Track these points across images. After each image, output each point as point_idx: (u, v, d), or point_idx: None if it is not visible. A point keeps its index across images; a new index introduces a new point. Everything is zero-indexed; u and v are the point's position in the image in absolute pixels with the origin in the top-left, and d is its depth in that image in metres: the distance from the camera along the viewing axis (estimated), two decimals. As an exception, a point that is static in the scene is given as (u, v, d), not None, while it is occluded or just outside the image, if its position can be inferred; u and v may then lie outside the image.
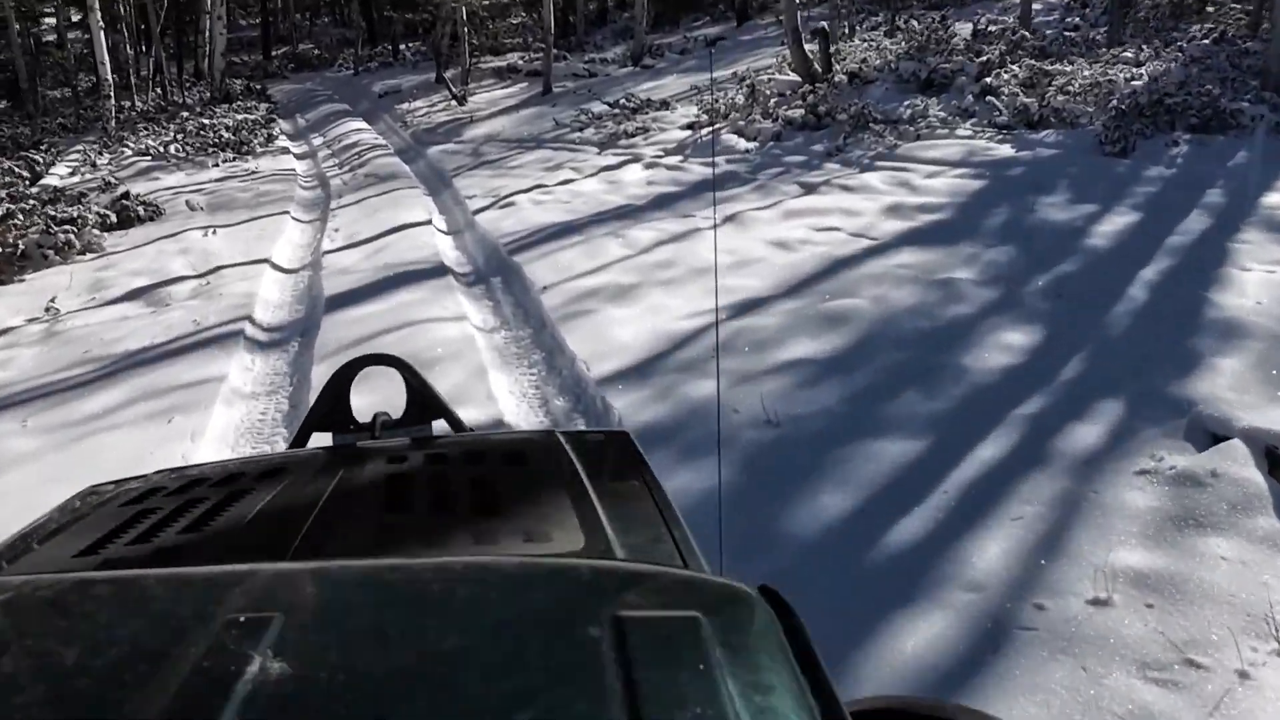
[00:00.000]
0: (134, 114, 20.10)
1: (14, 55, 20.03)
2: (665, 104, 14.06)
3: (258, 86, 22.87)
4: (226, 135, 15.20)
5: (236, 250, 8.56)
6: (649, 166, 10.58)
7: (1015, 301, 5.73)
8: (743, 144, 10.91)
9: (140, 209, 10.54)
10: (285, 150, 15.54)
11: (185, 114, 18.31)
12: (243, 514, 1.15)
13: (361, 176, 12.45)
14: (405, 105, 18.15)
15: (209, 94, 19.58)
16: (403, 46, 28.12)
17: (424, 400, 1.83)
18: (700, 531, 1.14)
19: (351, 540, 1.07)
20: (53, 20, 24.63)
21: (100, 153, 15.75)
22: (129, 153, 15.28)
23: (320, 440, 1.75)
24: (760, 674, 0.67)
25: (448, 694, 0.62)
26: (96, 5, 15.31)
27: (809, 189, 8.75)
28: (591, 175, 10.56)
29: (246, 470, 1.38)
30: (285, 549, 1.01)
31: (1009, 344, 5.09)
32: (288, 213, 10.42)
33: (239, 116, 16.09)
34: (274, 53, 32.94)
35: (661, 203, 8.76)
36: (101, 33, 15.51)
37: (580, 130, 13.42)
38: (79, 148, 16.64)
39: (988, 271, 6.22)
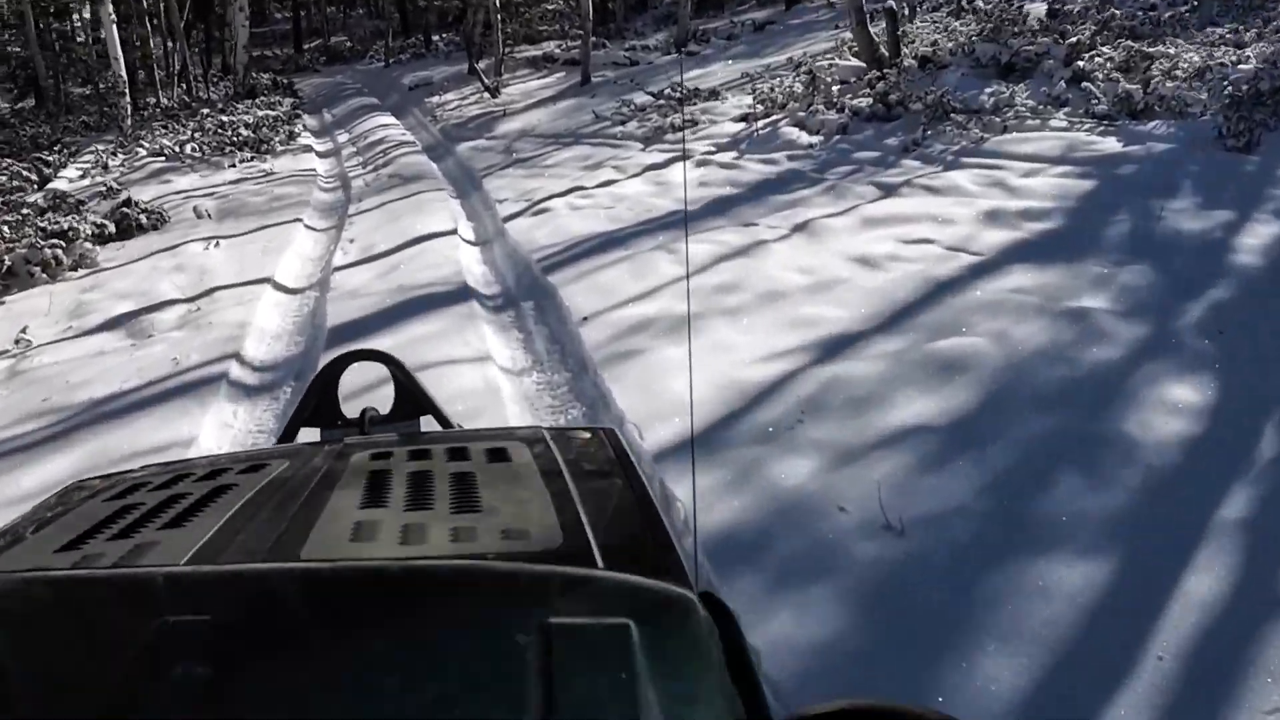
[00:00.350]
0: (156, 111, 19.33)
1: (33, 51, 19.31)
2: (714, 94, 12.91)
3: (285, 81, 22.03)
4: (246, 133, 14.30)
5: (237, 267, 7.59)
6: (700, 164, 9.45)
7: (1169, 340, 4.57)
8: (805, 138, 9.73)
9: (143, 218, 9.64)
10: (308, 148, 14.62)
11: (206, 111, 17.47)
12: (225, 508, 1.14)
13: (385, 177, 11.47)
14: (436, 98, 17.16)
15: (233, 89, 18.75)
16: (435, 37, 27.18)
17: (412, 397, 1.87)
18: None
19: (329, 536, 1.03)
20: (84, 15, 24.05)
21: (114, 153, 14.94)
22: (143, 153, 14.44)
23: (309, 435, 1.79)
24: (685, 683, 0.68)
25: (366, 699, 0.64)
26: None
27: (888, 191, 7.58)
28: (635, 175, 9.46)
29: (232, 465, 1.39)
30: (263, 544, 1.01)
31: (1177, 402, 3.94)
32: (300, 220, 9.46)
33: (261, 113, 15.22)
34: (306, 46, 32.20)
35: (718, 208, 7.64)
36: (114, 26, 14.68)
37: (622, 124, 12.31)
38: (96, 148, 15.86)
39: (1126, 298, 5.05)
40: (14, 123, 21.48)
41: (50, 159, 15.32)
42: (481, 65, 17.76)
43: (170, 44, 21.39)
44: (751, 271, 5.96)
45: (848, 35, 14.02)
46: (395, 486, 1.22)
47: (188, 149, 14.17)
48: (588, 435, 1.51)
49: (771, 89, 12.39)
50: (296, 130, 15.49)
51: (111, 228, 9.23)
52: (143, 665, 0.65)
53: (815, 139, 9.64)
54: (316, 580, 0.81)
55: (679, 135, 11.12)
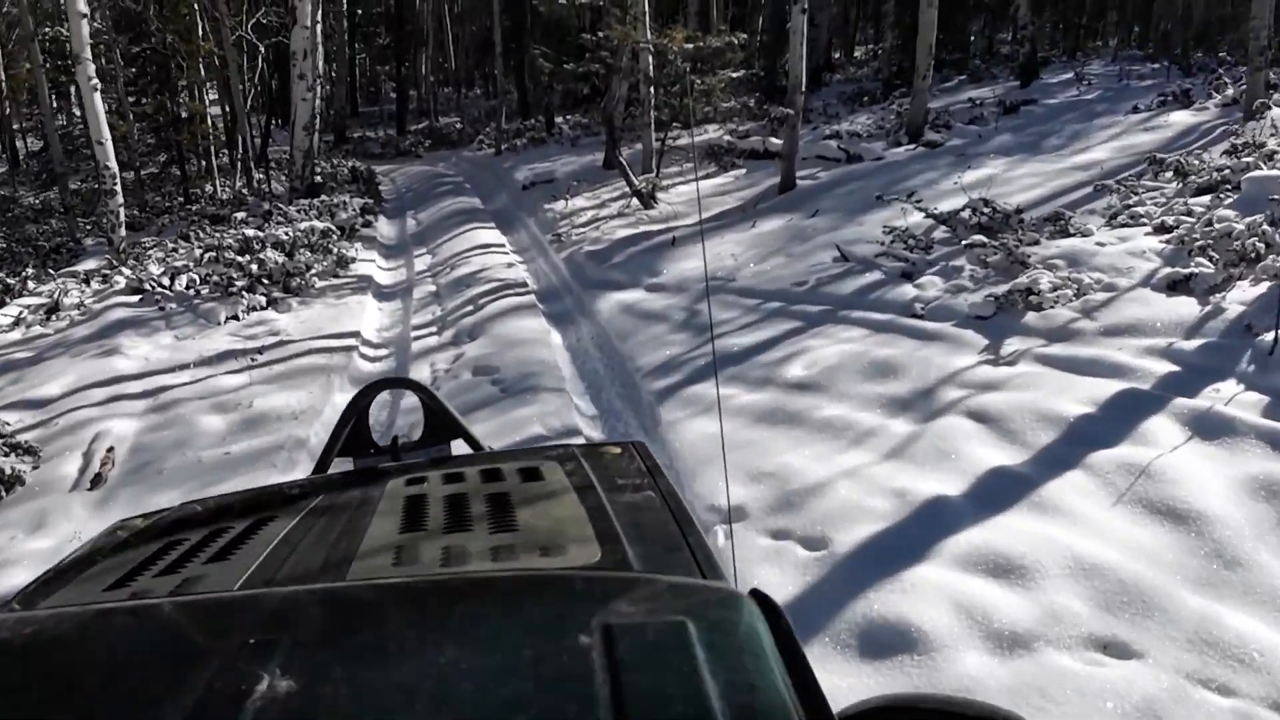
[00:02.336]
0: (191, 212, 14.67)
1: (48, 130, 14.99)
2: (1057, 222, 7.15)
3: (366, 170, 17.24)
4: (273, 259, 9.20)
5: None
6: (1201, 431, 3.63)
7: None
8: None
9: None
10: (364, 284, 9.40)
11: (243, 214, 12.60)
12: (267, 540, 1.16)
13: (470, 362, 6.06)
14: (560, 205, 11.86)
15: (289, 184, 13.98)
16: (559, 119, 22.40)
17: (442, 421, 1.91)
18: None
19: (373, 561, 1.04)
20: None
21: (89, 281, 10.02)
22: (122, 283, 9.45)
23: (343, 465, 1.81)
24: (744, 674, 0.70)
25: (444, 704, 0.67)
26: (86, 53, 9.64)
27: None
28: (1045, 432, 3.72)
29: (271, 497, 1.42)
30: (308, 574, 1.01)
31: None
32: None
33: (309, 224, 10.26)
34: (412, 128, 27.94)
35: None
36: (97, 95, 9.83)
37: (909, 276, 6.66)
38: (80, 269, 11.05)
39: None
40: (33, 219, 17.32)
41: (12, 282, 10.55)
42: (625, 155, 12.40)
43: (230, 111, 16.90)
44: None
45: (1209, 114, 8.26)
46: (432, 510, 1.24)
47: (180, 284, 9.10)
48: (618, 450, 1.50)
49: (1177, 219, 6.63)
50: (353, 253, 10.30)
51: None
52: (227, 682, 0.67)
53: None
54: (385, 595, 0.86)
55: (1048, 312, 5.38)
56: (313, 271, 9.54)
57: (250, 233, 10.16)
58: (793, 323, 6.23)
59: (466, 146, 23.15)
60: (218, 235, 10.92)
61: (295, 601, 0.84)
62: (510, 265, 9.50)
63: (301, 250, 9.95)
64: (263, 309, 8.52)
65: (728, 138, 13.90)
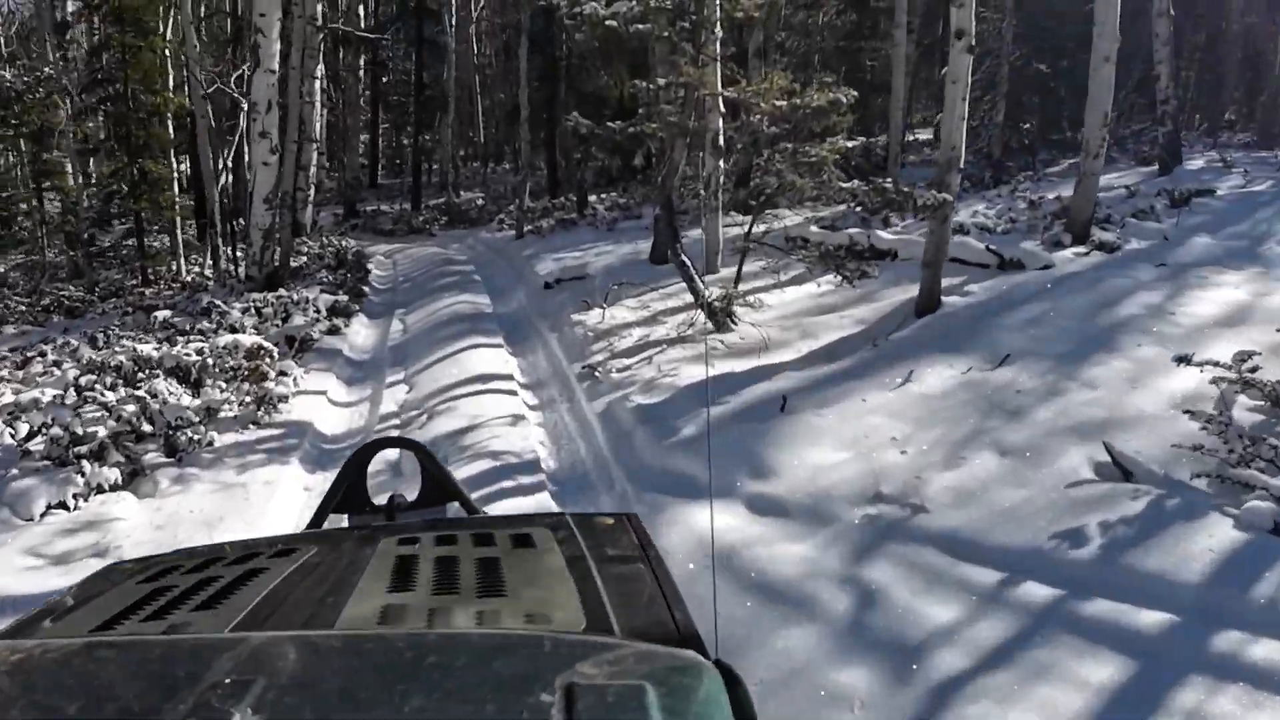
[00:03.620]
0: (130, 302, 11.63)
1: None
2: None
3: (355, 254, 14.15)
4: (164, 396, 5.99)
5: None
6: None
7: None
8: None
9: None
10: (291, 439, 6.12)
11: (168, 313, 9.44)
12: (256, 591, 1.16)
13: None
14: (594, 317, 8.58)
15: (245, 272, 10.80)
16: (592, 199, 19.43)
17: (439, 483, 1.95)
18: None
19: (357, 619, 1.05)
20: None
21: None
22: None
23: (338, 521, 1.89)
24: None
25: None
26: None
27: None
28: None
29: (263, 549, 1.41)
30: (292, 626, 1.03)
31: None
32: None
33: (233, 339, 7.02)
34: (430, 203, 25.10)
35: None
36: None
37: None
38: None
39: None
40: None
41: None
42: (684, 241, 9.12)
43: (196, 176, 13.92)
44: None
45: None
46: (422, 571, 1.24)
47: (15, 433, 5.86)
48: (610, 521, 1.51)
49: None
50: (291, 384, 6.99)
51: None
52: (203, 717, 0.69)
53: None
54: (360, 645, 0.88)
55: None
56: (222, 416, 6.28)
57: (144, 350, 6.94)
58: (1106, 660, 2.83)
59: (486, 226, 20.13)
60: (108, 351, 7.72)
61: (273, 646, 0.85)
62: (517, 420, 6.18)
63: (213, 379, 6.71)
64: (112, 489, 5.24)
65: (814, 228, 10.67)
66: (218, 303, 9.61)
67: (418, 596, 1.12)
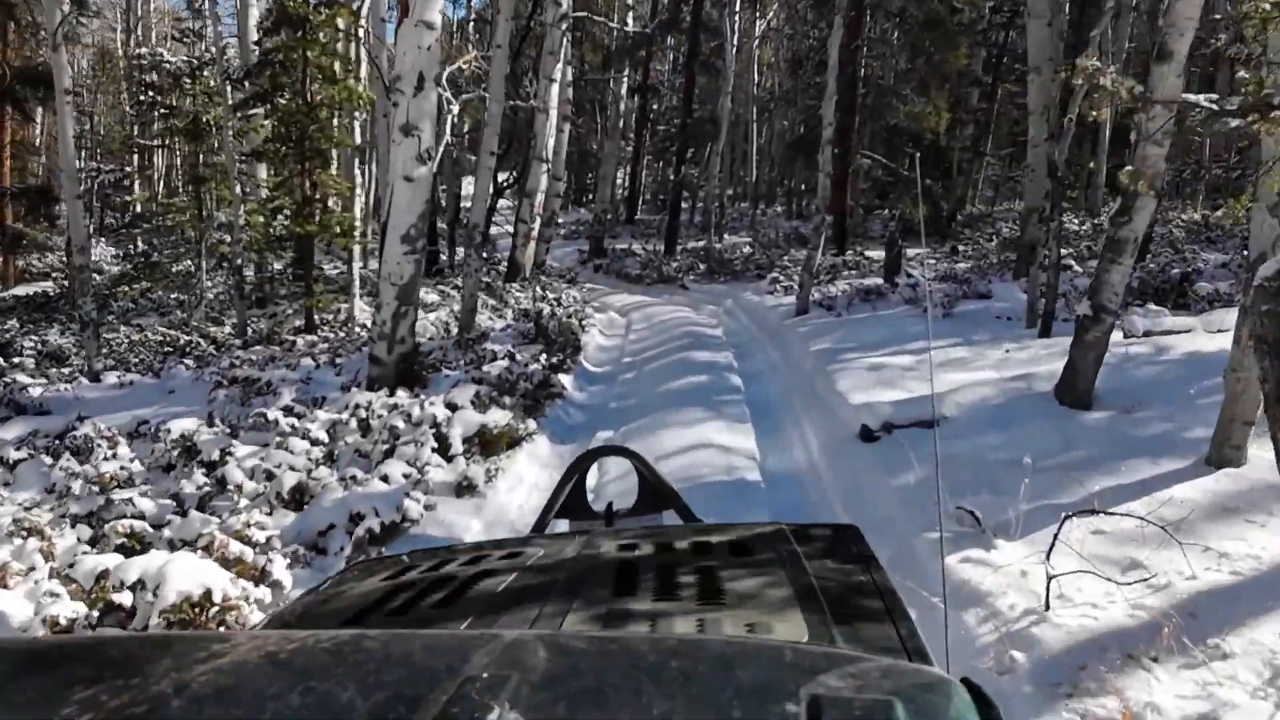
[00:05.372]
0: (271, 356, 8.10)
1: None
2: None
3: (572, 308, 9.95)
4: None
5: None
6: None
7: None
8: None
9: None
10: None
11: (285, 402, 5.60)
12: (488, 591, 1.26)
13: None
14: (1002, 559, 3.69)
15: (370, 351, 6.77)
16: (912, 255, 14.41)
17: (656, 490, 2.06)
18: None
19: (581, 622, 1.11)
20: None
21: None
22: None
23: (560, 526, 2.02)
24: None
25: None
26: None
27: None
28: None
29: (493, 551, 1.52)
30: (521, 625, 1.10)
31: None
32: None
33: (165, 563, 3.09)
34: (687, 244, 21.02)
35: None
36: None
37: None
38: None
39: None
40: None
41: None
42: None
43: (365, 193, 10.38)
44: None
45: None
46: (643, 578, 1.28)
47: None
48: (829, 532, 1.50)
49: None
50: None
51: None
52: (462, 709, 0.70)
53: None
54: (605, 646, 0.89)
55: None
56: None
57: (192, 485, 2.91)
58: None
59: (751, 282, 15.60)
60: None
61: (524, 644, 0.87)
62: None
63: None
64: None
65: None
66: (298, 405, 5.59)
67: (639, 602, 1.16)
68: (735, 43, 20.87)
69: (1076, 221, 18.11)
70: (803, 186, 28.91)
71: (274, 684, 0.79)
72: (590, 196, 30.31)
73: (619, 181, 31.38)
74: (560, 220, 31.89)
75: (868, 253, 17.32)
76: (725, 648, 0.87)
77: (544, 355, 7.80)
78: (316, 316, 11.18)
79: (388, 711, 0.72)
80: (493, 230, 19.14)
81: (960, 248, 17.99)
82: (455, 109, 7.48)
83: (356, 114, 10.91)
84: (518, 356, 7.63)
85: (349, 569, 1.54)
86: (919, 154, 20.53)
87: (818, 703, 0.69)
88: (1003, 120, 23.32)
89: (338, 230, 10.76)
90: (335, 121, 10.73)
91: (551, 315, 9.23)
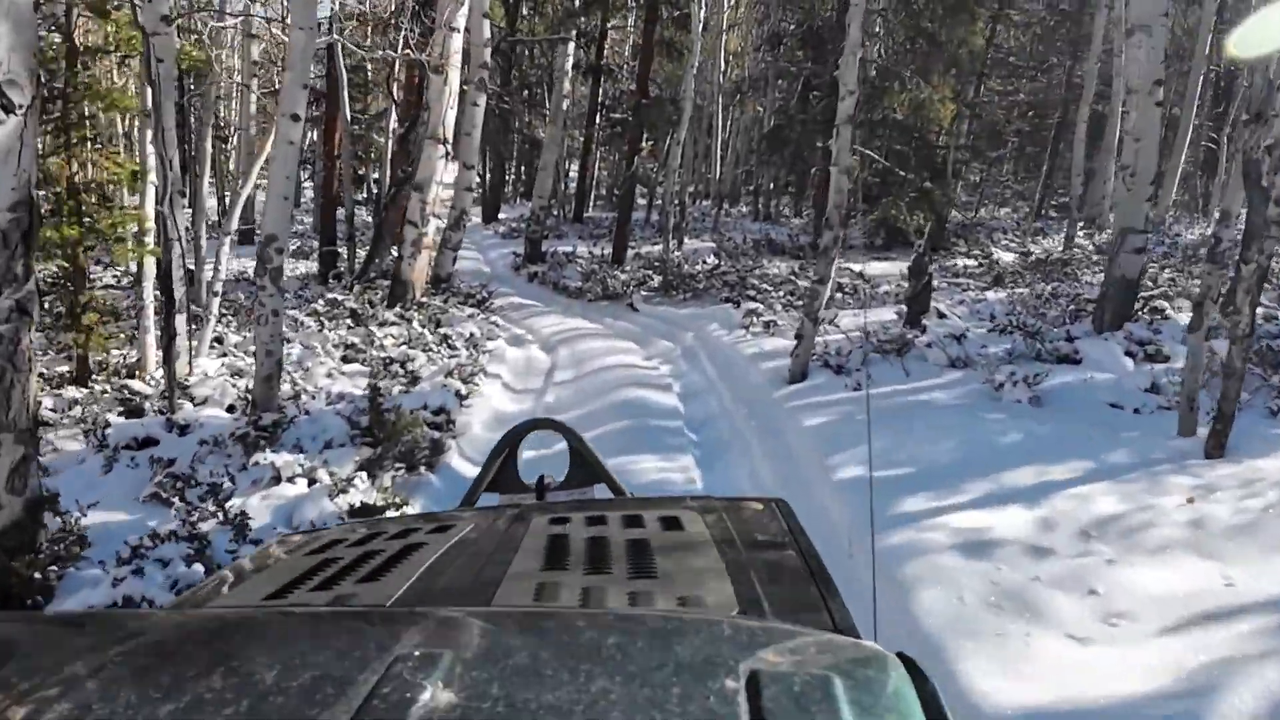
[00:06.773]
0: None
1: None
2: None
3: (457, 362, 6.54)
4: None
5: None
6: None
7: None
8: None
9: None
10: None
11: None
12: (416, 565, 1.20)
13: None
14: None
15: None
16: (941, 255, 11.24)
17: (586, 465, 2.03)
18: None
19: (514, 595, 1.07)
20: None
21: None
22: None
23: (489, 500, 1.94)
24: None
25: None
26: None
27: None
28: None
29: (421, 525, 1.46)
30: (450, 600, 1.06)
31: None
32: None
33: None
34: (640, 249, 17.61)
35: None
36: None
37: None
38: None
39: None
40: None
41: None
42: None
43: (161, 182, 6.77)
44: None
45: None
46: (574, 551, 1.26)
47: None
48: (759, 505, 1.49)
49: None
50: None
51: None
52: (393, 688, 0.67)
53: None
54: (541, 622, 0.87)
55: None
56: None
57: None
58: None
59: (718, 303, 12.27)
60: None
61: (455, 620, 0.85)
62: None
63: None
64: None
65: None
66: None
67: (571, 575, 1.13)
68: (701, 17, 17.53)
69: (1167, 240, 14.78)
70: (771, 186, 25.65)
71: (194, 665, 0.75)
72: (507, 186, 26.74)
73: (570, 174, 27.70)
74: (502, 215, 28.19)
75: (855, 267, 14.07)
76: (663, 623, 0.86)
77: (365, 473, 4.37)
78: (92, 359, 7.62)
79: (314, 692, 0.69)
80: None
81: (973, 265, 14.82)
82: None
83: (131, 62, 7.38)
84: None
85: (270, 543, 1.46)
86: (911, 150, 17.30)
87: (757, 678, 0.69)
88: (985, 119, 20.34)
89: (118, 234, 7.20)
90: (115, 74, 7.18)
91: (410, 382, 5.75)
